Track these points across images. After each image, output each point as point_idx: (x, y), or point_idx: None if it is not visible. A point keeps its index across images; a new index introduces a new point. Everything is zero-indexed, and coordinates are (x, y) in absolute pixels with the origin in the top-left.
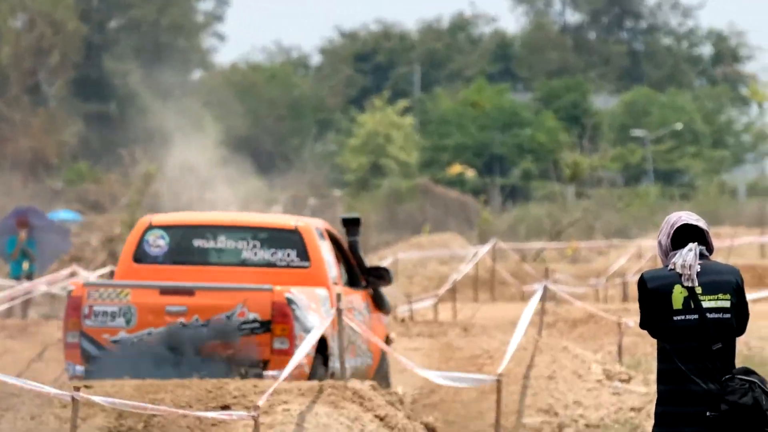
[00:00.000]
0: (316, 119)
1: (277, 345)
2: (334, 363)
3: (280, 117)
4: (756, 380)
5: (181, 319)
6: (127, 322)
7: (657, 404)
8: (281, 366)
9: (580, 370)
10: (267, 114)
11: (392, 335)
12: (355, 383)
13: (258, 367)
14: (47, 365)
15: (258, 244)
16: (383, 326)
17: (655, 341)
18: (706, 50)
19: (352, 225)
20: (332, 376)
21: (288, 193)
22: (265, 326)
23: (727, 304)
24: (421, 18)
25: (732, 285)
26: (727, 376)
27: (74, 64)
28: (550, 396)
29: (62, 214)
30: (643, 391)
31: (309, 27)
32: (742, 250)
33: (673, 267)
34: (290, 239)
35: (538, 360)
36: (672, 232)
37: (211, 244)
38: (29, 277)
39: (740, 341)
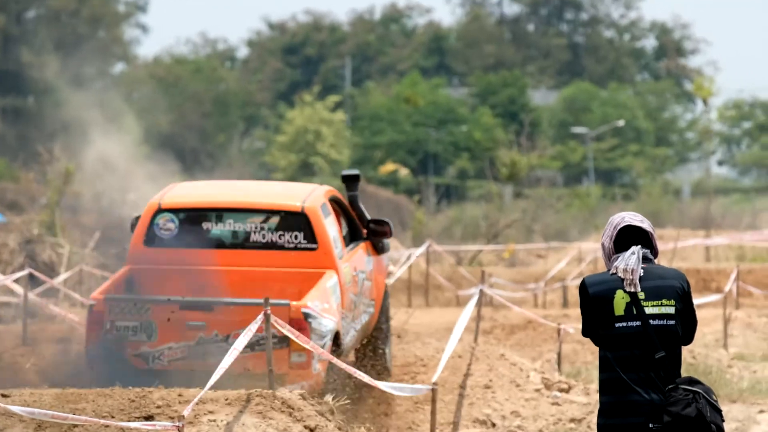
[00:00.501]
0: (243, 115)
1: (294, 359)
2: (345, 343)
3: (206, 113)
4: (700, 390)
5: (201, 334)
6: (149, 336)
7: (599, 415)
8: (299, 379)
9: (518, 379)
10: (192, 109)
11: (391, 268)
12: (284, 392)
13: (277, 381)
14: None
15: (265, 225)
16: (383, 266)
17: (596, 349)
18: (649, 43)
19: (351, 181)
20: (339, 355)
21: None
22: (283, 341)
23: (671, 310)
24: (352, 9)
25: (677, 290)
26: (670, 386)
27: None
28: (487, 406)
29: None
30: (583, 401)
31: (236, 18)
32: (686, 252)
33: (615, 271)
34: (297, 221)
35: (475, 368)
36: (615, 234)
37: (219, 227)
38: None
39: (685, 349)
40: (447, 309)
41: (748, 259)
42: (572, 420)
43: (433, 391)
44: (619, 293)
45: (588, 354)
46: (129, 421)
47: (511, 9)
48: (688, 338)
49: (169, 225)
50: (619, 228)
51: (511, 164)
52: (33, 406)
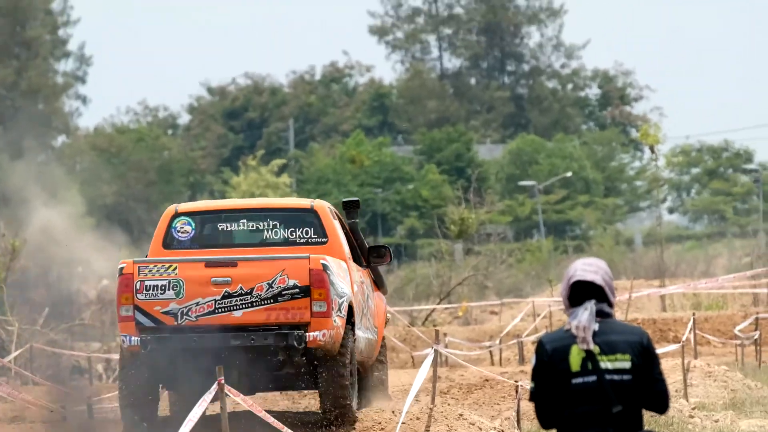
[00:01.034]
0: (187, 182)
1: (316, 308)
2: (357, 330)
3: (150, 182)
4: None
5: (227, 289)
6: (177, 294)
7: None
8: (321, 327)
9: None
10: (136, 179)
11: (389, 315)
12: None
13: (301, 329)
14: None
15: (277, 224)
16: (383, 305)
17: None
18: (593, 92)
19: (351, 208)
20: (354, 340)
21: None
22: (304, 291)
23: (626, 365)
24: (292, 70)
25: (632, 345)
26: None
27: None
28: None
29: None
30: None
31: (175, 85)
32: (641, 303)
33: (569, 327)
34: (307, 218)
35: (433, 429)
36: (568, 289)
37: (233, 227)
38: None
39: None
40: (402, 370)
41: (704, 306)
42: None
43: None
44: (575, 349)
45: None
46: None
47: (452, 63)
48: (658, 400)
49: (186, 228)
50: (571, 282)
51: (461, 221)
52: None
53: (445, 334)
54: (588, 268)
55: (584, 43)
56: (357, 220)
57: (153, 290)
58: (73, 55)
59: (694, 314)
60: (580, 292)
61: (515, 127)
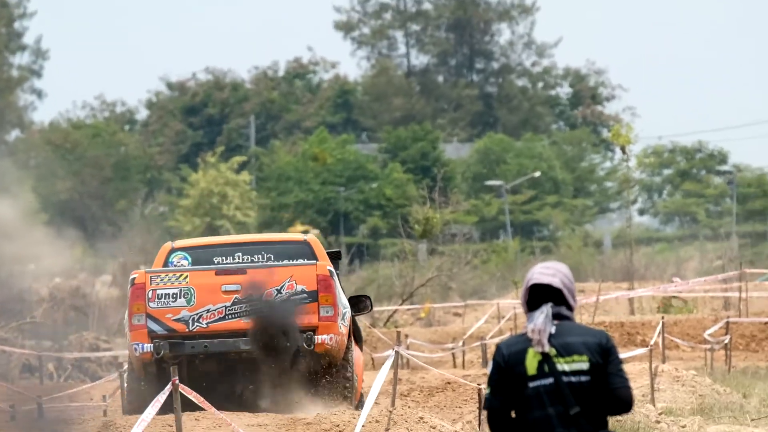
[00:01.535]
0: (144, 179)
1: (323, 312)
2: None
3: (106, 178)
4: None
5: (236, 296)
6: (188, 302)
7: None
8: (329, 331)
9: None
10: (91, 175)
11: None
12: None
13: (309, 332)
14: None
15: (272, 257)
16: (361, 357)
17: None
18: (564, 91)
19: (333, 258)
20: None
21: (117, 260)
22: (312, 296)
23: (584, 366)
24: (254, 65)
25: (590, 346)
26: None
27: None
28: None
29: None
30: None
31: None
32: (609, 305)
33: (526, 331)
34: (301, 251)
35: None
36: (526, 292)
37: (229, 261)
38: None
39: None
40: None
41: (673, 310)
42: None
43: None
44: (531, 352)
45: None
46: None
47: (419, 60)
48: (621, 400)
49: (182, 262)
50: (528, 286)
51: (425, 221)
52: None
53: (406, 336)
54: (546, 271)
55: (556, 41)
56: (338, 271)
57: (165, 298)
58: (29, 48)
59: (663, 318)
60: (538, 296)
61: (483, 126)
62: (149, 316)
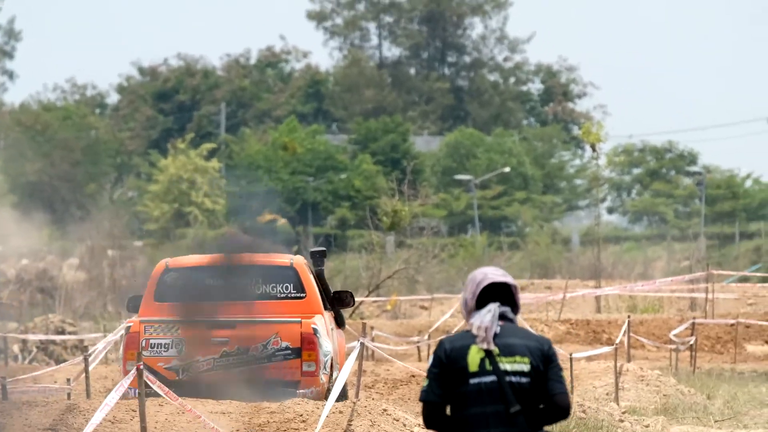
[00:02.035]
0: (114, 163)
1: (305, 368)
2: (335, 373)
3: (76, 161)
4: None
5: (225, 349)
6: (179, 351)
7: None
8: (310, 385)
9: None
10: (61, 158)
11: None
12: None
13: (291, 387)
14: None
15: (260, 279)
16: (343, 341)
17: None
18: (535, 87)
19: (319, 256)
20: (330, 382)
21: (85, 243)
22: (296, 353)
23: (525, 367)
24: (226, 53)
25: (532, 350)
26: None
27: None
28: None
29: None
30: None
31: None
32: (576, 303)
33: (470, 329)
34: (287, 274)
35: (356, 424)
36: (478, 291)
37: (219, 282)
38: None
39: (575, 403)
40: None
41: (639, 309)
42: None
43: None
44: (474, 349)
45: None
46: None
47: (391, 52)
48: (558, 406)
49: (176, 282)
50: (482, 285)
51: (393, 213)
52: None
53: (372, 328)
54: (497, 272)
55: (529, 36)
56: (323, 268)
57: (157, 348)
58: (1, 28)
59: (629, 316)
60: (488, 295)
61: (454, 120)
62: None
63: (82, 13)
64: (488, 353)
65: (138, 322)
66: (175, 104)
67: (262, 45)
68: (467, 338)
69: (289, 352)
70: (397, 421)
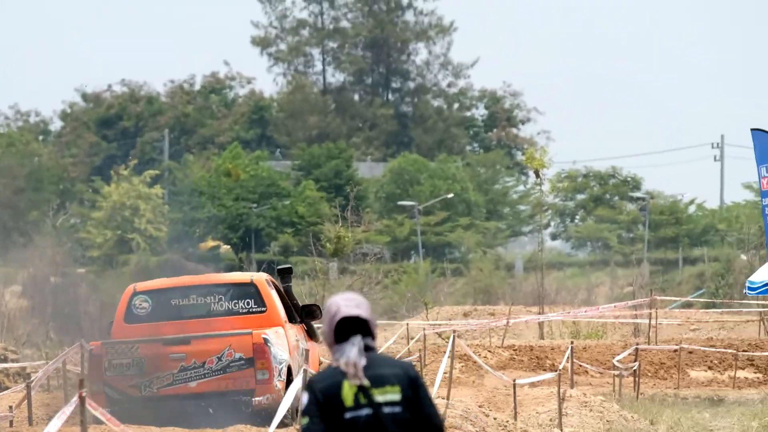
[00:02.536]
0: (57, 190)
1: (259, 376)
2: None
3: (19, 188)
4: None
5: (182, 364)
6: (140, 370)
7: None
8: (265, 392)
9: None
10: (4, 185)
11: (321, 359)
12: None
13: (247, 396)
14: None
15: (222, 297)
16: (317, 352)
17: None
18: (479, 113)
19: (285, 273)
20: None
21: (27, 270)
22: (249, 362)
23: (396, 397)
24: (170, 79)
25: (400, 378)
26: None
27: None
28: None
29: None
30: None
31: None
32: (519, 329)
33: (338, 365)
34: (248, 290)
35: None
36: (334, 325)
37: (184, 302)
38: None
39: (519, 429)
40: None
41: (583, 335)
42: None
43: None
44: (346, 384)
45: None
46: None
47: (335, 78)
48: (432, 430)
49: (143, 304)
50: (337, 319)
51: (337, 239)
52: None
53: None
54: (350, 303)
55: (473, 62)
56: (290, 284)
57: (119, 368)
58: None
59: (572, 342)
60: (344, 328)
61: (398, 146)
62: (106, 384)
63: (26, 39)
64: (361, 387)
65: (100, 345)
66: (118, 131)
67: (207, 71)
68: (337, 374)
69: (243, 362)
70: None
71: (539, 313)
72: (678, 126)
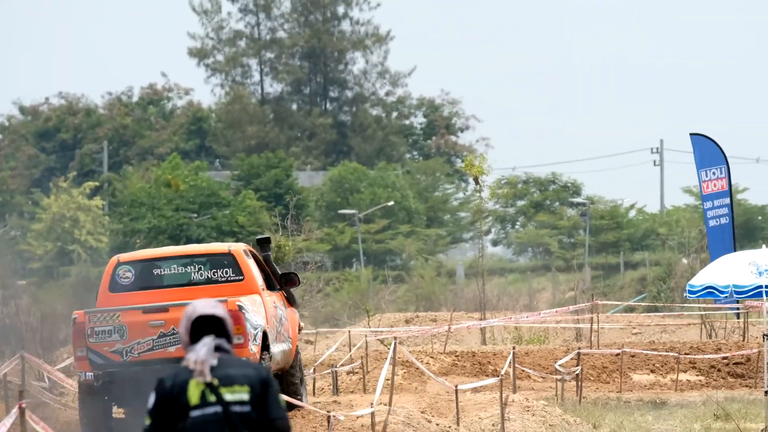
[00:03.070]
0: None
1: (235, 341)
2: (272, 348)
3: None
4: None
5: (161, 330)
6: (121, 336)
7: None
8: (241, 356)
9: None
10: None
11: (301, 324)
12: None
13: None
14: None
15: (202, 267)
16: (296, 318)
17: None
18: (418, 121)
19: (264, 243)
20: (270, 358)
21: None
22: None
23: (244, 396)
24: (108, 91)
25: (250, 378)
26: None
27: None
28: None
29: None
30: None
31: None
32: (460, 335)
33: (187, 363)
34: (226, 260)
35: None
36: (190, 326)
37: (166, 271)
38: None
39: None
40: None
41: (525, 340)
42: None
43: None
44: (193, 383)
45: None
46: None
47: (273, 88)
48: (274, 423)
49: (127, 274)
50: (192, 319)
51: (277, 248)
52: None
53: None
54: (208, 304)
55: (410, 70)
56: (269, 253)
57: (101, 335)
58: None
59: (514, 348)
60: (201, 328)
61: (337, 155)
62: (89, 349)
63: None
64: (210, 385)
65: (82, 314)
66: (57, 143)
67: (144, 82)
68: (185, 373)
69: None
70: None
71: (481, 319)
72: (617, 131)
